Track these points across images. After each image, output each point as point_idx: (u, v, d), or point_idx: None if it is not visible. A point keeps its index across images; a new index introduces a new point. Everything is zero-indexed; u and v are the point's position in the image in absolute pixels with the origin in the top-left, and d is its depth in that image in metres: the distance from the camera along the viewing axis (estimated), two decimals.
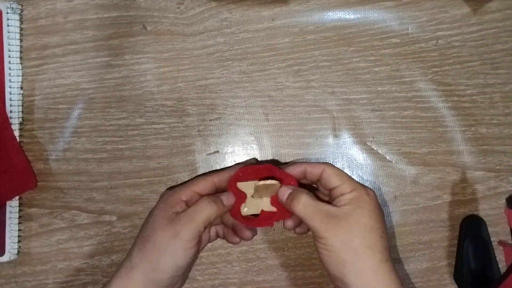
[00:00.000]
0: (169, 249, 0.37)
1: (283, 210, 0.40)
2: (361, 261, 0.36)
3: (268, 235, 0.46)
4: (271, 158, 0.46)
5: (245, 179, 0.40)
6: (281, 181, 0.40)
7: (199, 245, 0.39)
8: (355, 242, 0.36)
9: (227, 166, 0.46)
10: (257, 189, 0.39)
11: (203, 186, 0.40)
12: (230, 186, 0.40)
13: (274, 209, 0.40)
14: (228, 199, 0.40)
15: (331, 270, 0.37)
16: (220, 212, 0.39)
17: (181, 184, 0.43)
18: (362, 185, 0.39)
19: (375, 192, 0.39)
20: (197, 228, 0.37)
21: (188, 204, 0.39)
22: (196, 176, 0.45)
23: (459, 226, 0.45)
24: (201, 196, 0.40)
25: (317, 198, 0.39)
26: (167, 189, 0.45)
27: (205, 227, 0.38)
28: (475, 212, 0.45)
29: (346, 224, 0.36)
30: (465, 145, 0.45)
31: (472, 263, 0.43)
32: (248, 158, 0.46)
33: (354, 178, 0.39)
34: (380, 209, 0.39)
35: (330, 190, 0.39)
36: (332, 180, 0.39)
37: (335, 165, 0.40)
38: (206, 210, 0.38)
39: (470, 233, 0.44)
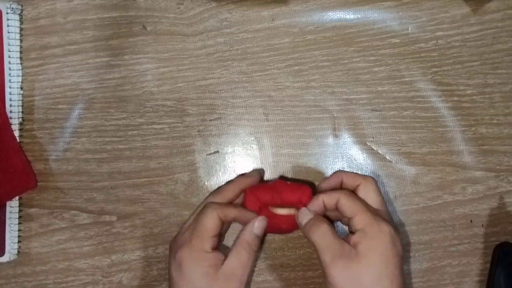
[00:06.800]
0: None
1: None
2: None
3: (268, 235, 0.46)
4: (271, 159, 0.46)
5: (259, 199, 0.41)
6: (297, 203, 0.40)
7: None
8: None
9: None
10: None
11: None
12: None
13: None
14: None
15: None
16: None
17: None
18: (377, 220, 0.37)
19: (392, 228, 0.37)
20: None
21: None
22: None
23: (491, 253, 0.43)
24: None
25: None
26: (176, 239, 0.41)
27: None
28: (475, 212, 0.45)
29: (355, 266, 0.35)
30: (465, 145, 0.45)
31: None
32: (251, 168, 0.46)
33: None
34: (395, 248, 0.36)
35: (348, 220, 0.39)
36: (346, 211, 0.38)
37: (349, 192, 0.39)
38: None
39: (503, 261, 0.42)
